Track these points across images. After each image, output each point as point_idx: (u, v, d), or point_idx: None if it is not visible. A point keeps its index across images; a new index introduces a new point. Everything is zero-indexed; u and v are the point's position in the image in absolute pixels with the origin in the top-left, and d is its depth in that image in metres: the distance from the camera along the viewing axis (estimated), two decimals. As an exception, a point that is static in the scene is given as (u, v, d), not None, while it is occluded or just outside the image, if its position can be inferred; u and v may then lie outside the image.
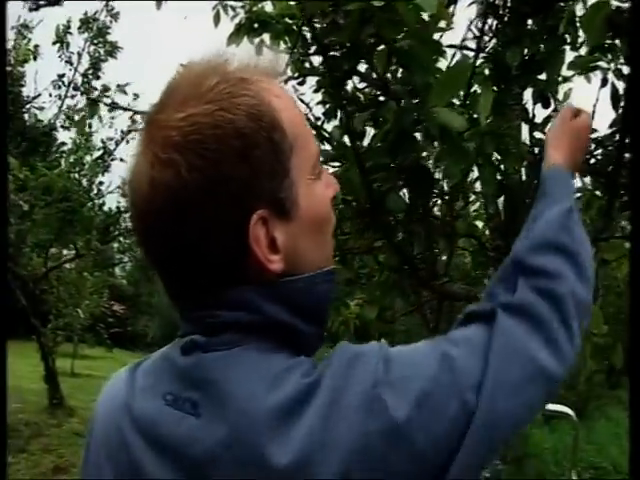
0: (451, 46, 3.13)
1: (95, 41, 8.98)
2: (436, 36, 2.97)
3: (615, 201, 2.33)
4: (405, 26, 1.40)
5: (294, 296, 0.79)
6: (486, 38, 2.74)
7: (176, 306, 0.83)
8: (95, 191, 8.89)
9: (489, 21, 2.79)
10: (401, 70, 1.62)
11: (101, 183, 9.09)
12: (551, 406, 6.06)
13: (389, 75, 2.11)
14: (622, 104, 2.24)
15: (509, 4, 2.57)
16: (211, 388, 0.75)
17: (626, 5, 1.72)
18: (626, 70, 2.13)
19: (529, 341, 0.83)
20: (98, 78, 9.16)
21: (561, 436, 8.94)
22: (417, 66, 1.44)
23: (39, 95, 9.24)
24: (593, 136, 2.84)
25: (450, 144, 1.56)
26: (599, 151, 2.59)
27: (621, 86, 2.19)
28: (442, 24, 2.94)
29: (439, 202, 2.73)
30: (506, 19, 2.50)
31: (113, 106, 7.81)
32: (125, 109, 7.95)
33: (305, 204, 0.80)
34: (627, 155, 2.35)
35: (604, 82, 2.16)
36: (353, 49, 1.54)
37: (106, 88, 9.10)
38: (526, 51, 2.47)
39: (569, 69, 2.39)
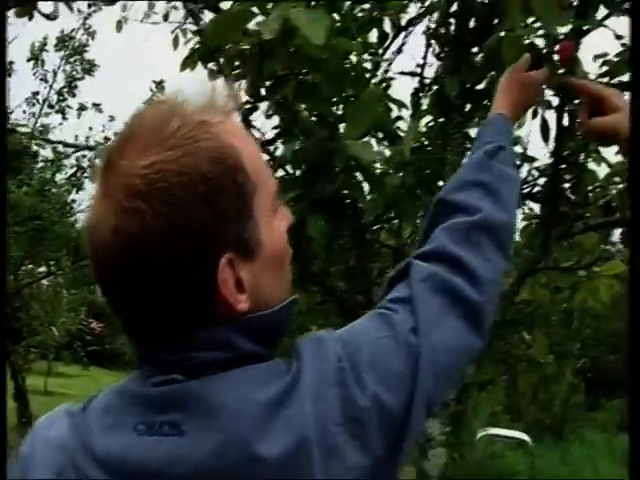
0: (402, 73, 3.15)
1: (71, 59, 8.95)
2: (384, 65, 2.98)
3: (552, 231, 2.33)
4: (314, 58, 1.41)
5: (261, 329, 0.81)
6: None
7: (138, 348, 0.82)
8: (67, 209, 8.83)
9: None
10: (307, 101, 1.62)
11: (74, 201, 9.05)
12: (508, 432, 6.06)
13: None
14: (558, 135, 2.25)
15: (452, 33, 2.59)
16: (196, 403, 0.75)
17: (543, 40, 1.73)
18: (555, 102, 2.14)
19: (444, 276, 0.91)
20: (74, 96, 9.14)
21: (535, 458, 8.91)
22: (320, 98, 1.44)
23: (12, 112, 9.21)
24: (536, 164, 2.86)
25: (364, 177, 1.57)
26: (541, 181, 2.60)
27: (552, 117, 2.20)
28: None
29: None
30: (448, 49, 2.52)
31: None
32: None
33: (267, 241, 0.81)
34: (565, 185, 2.36)
35: (534, 114, 2.18)
36: (264, 81, 1.54)
37: (82, 106, 9.09)
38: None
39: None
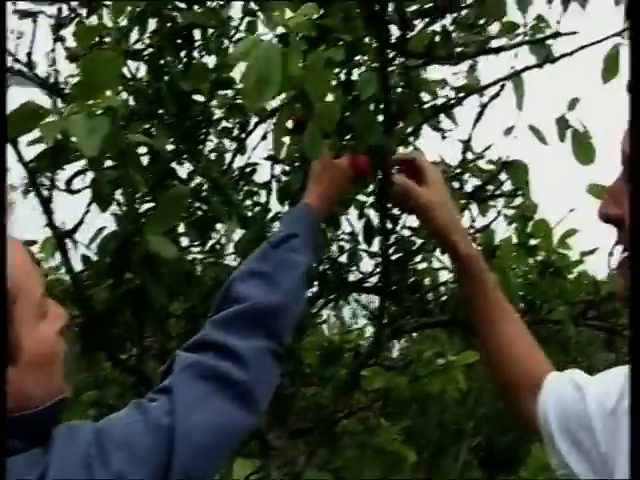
0: (267, 158, 3.19)
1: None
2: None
3: (384, 330, 2.36)
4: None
5: (23, 427, 0.84)
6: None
7: None
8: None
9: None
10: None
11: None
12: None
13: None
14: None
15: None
16: None
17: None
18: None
19: (209, 362, 0.98)
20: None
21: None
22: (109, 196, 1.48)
23: None
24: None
25: (165, 272, 1.61)
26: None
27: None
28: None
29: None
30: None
31: None
32: None
33: (30, 346, 0.84)
34: (393, 288, 2.39)
35: (361, 215, 2.23)
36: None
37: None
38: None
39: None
